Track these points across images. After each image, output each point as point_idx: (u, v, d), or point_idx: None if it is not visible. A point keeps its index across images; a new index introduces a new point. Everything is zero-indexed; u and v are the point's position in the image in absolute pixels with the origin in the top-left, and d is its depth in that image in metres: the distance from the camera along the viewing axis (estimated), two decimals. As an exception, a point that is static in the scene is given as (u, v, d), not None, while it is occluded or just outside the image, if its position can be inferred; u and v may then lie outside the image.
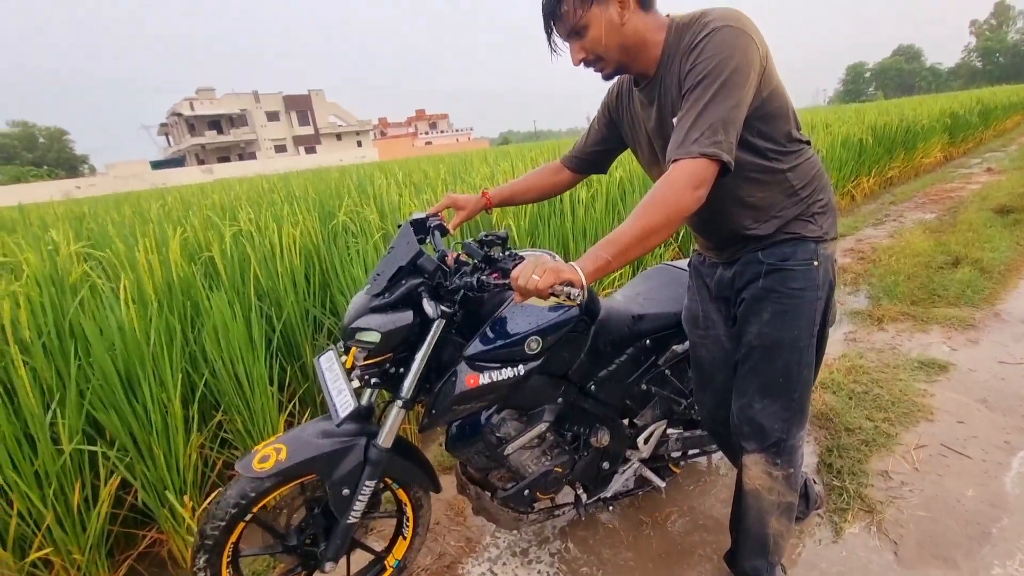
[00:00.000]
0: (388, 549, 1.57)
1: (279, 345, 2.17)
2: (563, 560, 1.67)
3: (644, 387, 1.62)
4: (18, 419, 1.54)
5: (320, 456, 1.26)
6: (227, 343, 1.87)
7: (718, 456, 1.99)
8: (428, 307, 1.24)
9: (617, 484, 1.66)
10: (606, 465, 1.61)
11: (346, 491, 1.29)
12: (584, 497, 1.62)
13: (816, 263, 1.20)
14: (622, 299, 1.66)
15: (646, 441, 1.66)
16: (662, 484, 1.74)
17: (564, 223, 3.00)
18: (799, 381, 1.24)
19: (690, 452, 1.81)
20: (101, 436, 1.74)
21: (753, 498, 1.33)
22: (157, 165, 47.62)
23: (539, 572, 1.63)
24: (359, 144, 59.09)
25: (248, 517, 1.28)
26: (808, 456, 2.00)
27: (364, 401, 1.30)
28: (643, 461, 1.71)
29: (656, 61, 1.12)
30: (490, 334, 1.30)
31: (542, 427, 1.43)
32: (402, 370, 1.28)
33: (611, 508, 1.82)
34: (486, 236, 1.31)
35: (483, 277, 1.17)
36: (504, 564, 1.67)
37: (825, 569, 1.53)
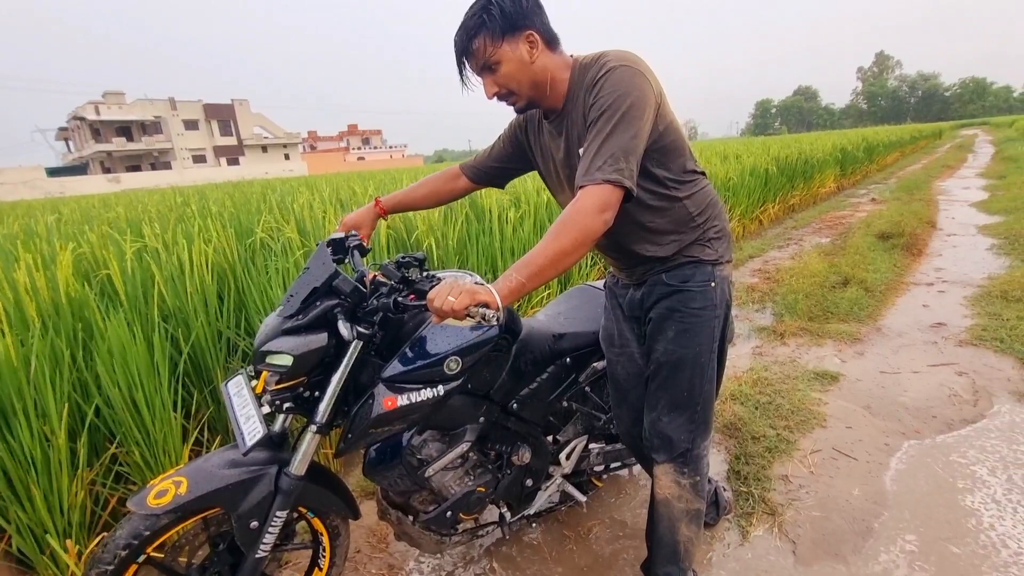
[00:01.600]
0: None
1: (186, 369, 2.02)
2: (487, 581, 1.66)
3: (565, 404, 1.65)
4: None
5: (226, 488, 1.18)
6: (124, 368, 1.72)
7: (638, 469, 2.07)
8: (343, 329, 1.21)
9: (541, 500, 1.68)
10: (529, 482, 1.62)
11: (255, 524, 1.22)
12: (508, 515, 1.63)
13: (713, 284, 1.30)
14: (544, 318, 1.69)
15: (568, 457, 1.69)
16: (583, 499, 1.78)
17: (493, 242, 3.04)
18: (702, 394, 1.33)
19: (611, 465, 1.86)
20: (-34, 477, 1.54)
21: (664, 507, 1.39)
22: (54, 172, 43.31)
23: (463, 595, 1.61)
24: (286, 157, 56.86)
25: (142, 559, 1.18)
26: (718, 464, 2.13)
27: (277, 427, 1.25)
28: (566, 476, 1.73)
29: (563, 97, 1.21)
30: (409, 355, 1.28)
31: (464, 447, 1.42)
32: (317, 394, 1.24)
33: (534, 525, 1.84)
34: (403, 258, 1.31)
35: (399, 298, 1.16)
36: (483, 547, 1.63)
37: (733, 571, 1.62)
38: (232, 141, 53.60)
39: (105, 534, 1.66)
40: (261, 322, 1.40)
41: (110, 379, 1.70)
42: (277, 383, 1.20)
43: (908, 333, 3.28)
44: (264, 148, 56.35)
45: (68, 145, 53.94)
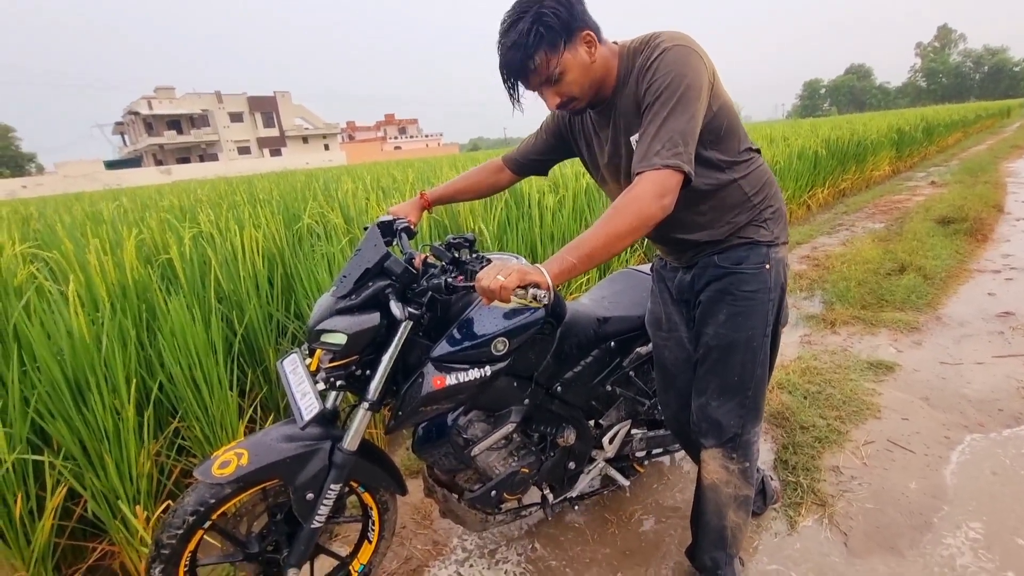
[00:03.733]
0: (353, 554, 1.54)
1: (240, 349, 2.11)
2: (530, 560, 1.68)
3: (609, 388, 1.65)
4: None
5: (284, 460, 1.23)
6: (185, 347, 1.81)
7: (681, 455, 2.04)
8: (395, 309, 1.22)
9: (583, 484, 1.69)
10: (572, 465, 1.63)
11: (310, 495, 1.27)
12: (550, 497, 1.64)
13: (768, 266, 1.26)
14: (588, 302, 1.69)
15: (611, 441, 1.69)
16: (627, 483, 1.78)
17: (532, 228, 3.03)
18: (753, 379, 1.29)
19: (654, 451, 1.85)
20: (48, 445, 1.66)
21: (711, 492, 1.37)
22: (112, 165, 45.66)
23: (506, 572, 1.64)
24: (326, 147, 58.15)
25: (207, 525, 1.24)
26: (766, 453, 2.07)
27: (329, 404, 1.28)
28: (608, 461, 1.74)
29: (612, 87, 1.18)
30: (457, 335, 1.30)
31: (509, 428, 1.44)
32: (368, 372, 1.27)
33: (576, 508, 1.84)
34: (453, 239, 1.32)
35: (449, 279, 1.18)
36: (471, 566, 1.67)
37: (781, 561, 1.59)
38: (275, 132, 55.17)
39: (170, 502, 1.77)
40: (310, 305, 1.44)
41: (172, 357, 1.80)
42: (331, 361, 1.23)
43: (971, 322, 3.10)
44: (305, 139, 57.75)
45: (124, 139, 56.75)
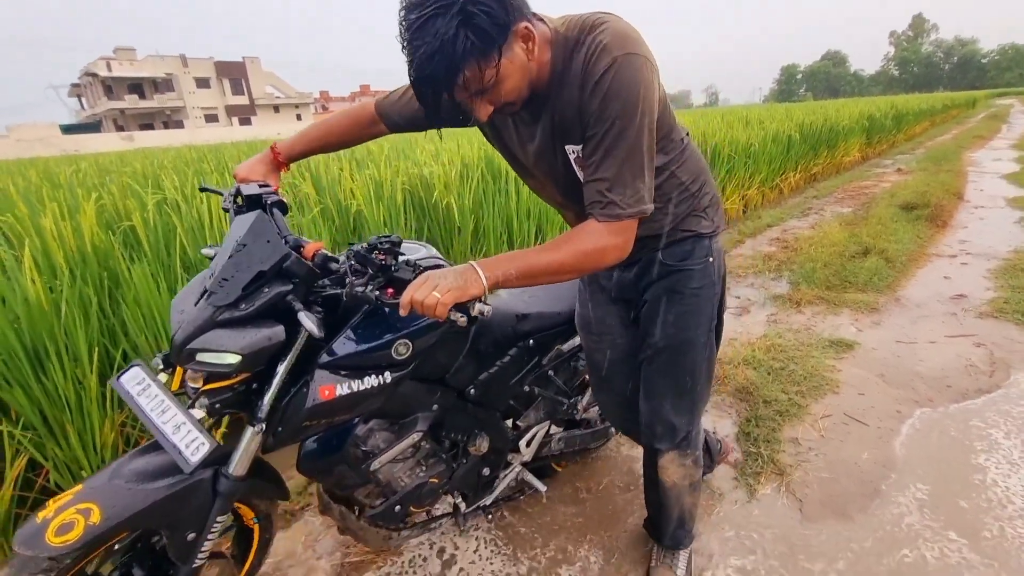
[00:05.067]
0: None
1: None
2: (499, 527, 1.72)
3: (527, 388, 1.52)
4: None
5: (154, 505, 1.01)
6: (151, 317, 1.77)
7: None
8: (308, 323, 0.99)
9: (499, 490, 1.57)
10: (487, 472, 1.49)
11: (191, 535, 1.08)
12: (463, 506, 1.51)
13: (711, 259, 1.23)
14: (507, 297, 1.54)
15: (529, 443, 1.59)
16: (543, 489, 1.66)
17: (508, 203, 3.02)
18: (703, 375, 1.29)
19: (576, 449, 1.75)
20: (6, 415, 1.61)
21: (672, 489, 1.38)
22: (69, 130, 43.35)
23: (477, 539, 1.68)
24: (299, 117, 56.33)
25: None
26: (729, 427, 2.15)
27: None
28: (524, 464, 1.63)
29: (545, 80, 1.00)
30: (351, 338, 1.11)
31: (415, 437, 1.29)
32: (254, 386, 1.07)
33: (491, 516, 1.73)
34: (379, 240, 1.07)
35: (378, 293, 0.98)
36: (443, 533, 1.70)
37: (740, 526, 1.67)
38: (244, 100, 53.10)
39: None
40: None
41: (137, 326, 1.75)
42: (208, 382, 1.02)
43: (927, 304, 3.24)
44: (276, 108, 55.81)
45: (81, 102, 53.82)
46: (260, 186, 1.18)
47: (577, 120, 1.00)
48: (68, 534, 0.93)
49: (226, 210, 1.23)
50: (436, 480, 1.36)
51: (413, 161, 3.07)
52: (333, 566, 1.60)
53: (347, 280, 1.02)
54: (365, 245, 1.08)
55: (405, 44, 0.86)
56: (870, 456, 1.94)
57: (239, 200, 1.20)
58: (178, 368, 1.02)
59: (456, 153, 2.90)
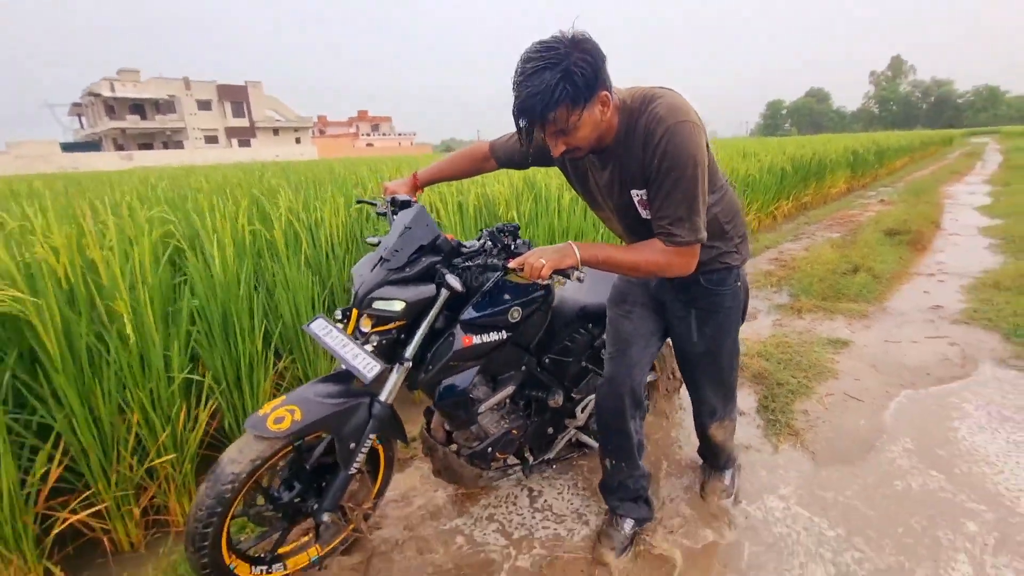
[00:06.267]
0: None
1: (329, 304, 2.51)
2: (573, 475, 2.14)
3: (583, 365, 1.89)
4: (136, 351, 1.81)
5: (332, 415, 1.34)
6: (294, 299, 2.21)
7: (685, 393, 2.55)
8: (454, 283, 1.38)
9: (558, 448, 1.95)
10: (550, 430, 1.88)
11: (352, 445, 1.38)
12: (531, 459, 1.89)
13: (739, 283, 1.57)
14: (571, 290, 1.92)
15: (582, 411, 1.95)
16: (595, 445, 2.00)
17: (553, 222, 3.51)
18: (734, 369, 1.70)
19: None
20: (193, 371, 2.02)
21: (720, 444, 1.84)
22: (68, 148, 43.67)
23: (558, 483, 2.10)
24: (298, 141, 57.16)
25: (253, 479, 1.31)
26: (751, 402, 2.61)
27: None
28: (579, 428, 1.99)
29: (611, 138, 1.30)
30: (482, 303, 1.50)
31: (510, 389, 1.67)
32: (403, 336, 1.43)
33: (553, 467, 2.07)
34: (502, 227, 1.49)
35: (501, 262, 1.39)
36: (517, 481, 2.11)
37: (769, 469, 2.11)
38: (244, 123, 53.86)
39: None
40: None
41: (287, 306, 2.19)
42: (374, 326, 1.37)
43: (909, 313, 3.75)
44: (276, 131, 56.59)
45: (81, 121, 54.28)
46: (409, 198, 1.66)
47: (639, 172, 1.30)
48: (281, 424, 1.27)
49: (381, 214, 1.72)
50: (516, 432, 1.73)
51: (480, 183, 3.57)
52: (448, 495, 2.01)
53: (484, 250, 1.49)
54: (495, 229, 1.50)
55: (517, 83, 1.14)
56: (866, 423, 2.40)
57: (393, 206, 1.68)
58: (352, 317, 1.39)
59: (508, 183, 3.43)
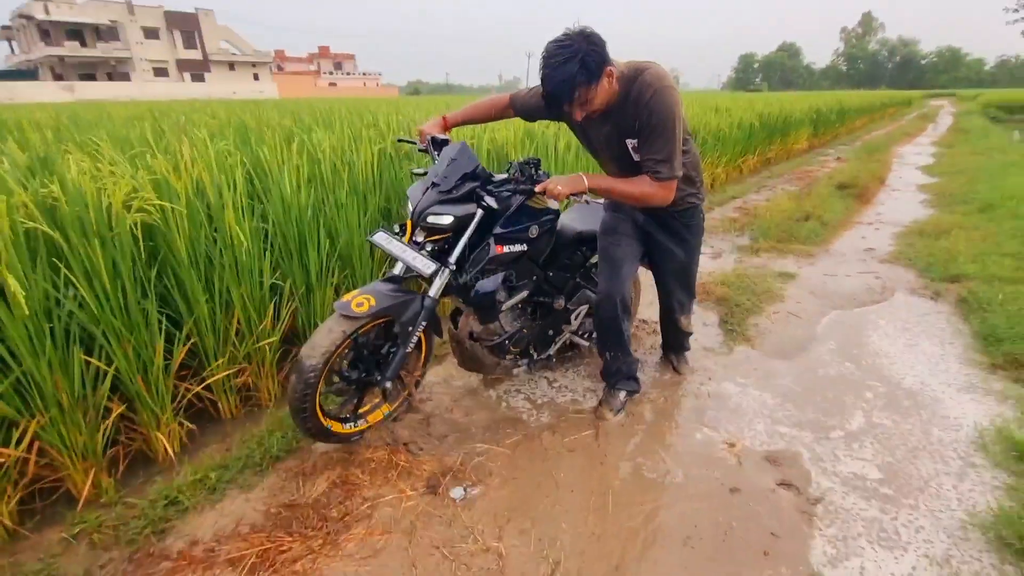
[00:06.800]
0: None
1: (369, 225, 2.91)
2: (575, 366, 2.71)
3: (576, 281, 2.37)
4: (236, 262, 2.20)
5: (396, 304, 1.73)
6: (347, 219, 2.61)
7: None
8: (492, 202, 1.80)
9: (555, 347, 2.44)
10: (551, 332, 2.37)
11: (409, 328, 1.77)
12: (535, 355, 2.35)
13: (702, 217, 2.17)
14: (567, 219, 2.32)
15: (576, 318, 2.44)
16: (587, 345, 2.55)
17: (549, 165, 3.95)
18: (696, 276, 2.34)
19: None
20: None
21: (684, 328, 2.45)
22: (0, 76, 40.18)
23: (566, 370, 2.66)
24: (256, 77, 53.93)
25: (334, 358, 1.67)
26: (714, 318, 3.22)
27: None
28: (572, 332, 2.49)
29: (615, 100, 1.72)
30: (510, 220, 1.90)
31: (524, 293, 2.11)
32: (447, 246, 1.83)
33: (553, 360, 2.52)
34: (528, 160, 1.87)
35: (529, 187, 1.81)
36: (525, 374, 2.66)
37: (725, 363, 2.72)
38: (197, 55, 50.27)
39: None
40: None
41: (341, 227, 2.59)
42: (427, 237, 1.77)
43: (847, 254, 4.43)
44: (232, 66, 53.12)
45: (11, 46, 49.55)
46: (445, 136, 2.07)
47: (633, 125, 1.73)
48: (362, 307, 1.66)
49: (422, 150, 2.12)
50: (526, 331, 2.23)
51: (491, 130, 3.93)
52: (480, 379, 2.55)
53: (513, 178, 1.88)
54: (521, 161, 1.88)
55: (545, 75, 1.57)
56: (803, 332, 3.05)
57: (434, 143, 2.07)
58: (408, 229, 1.78)
59: (512, 132, 3.83)
